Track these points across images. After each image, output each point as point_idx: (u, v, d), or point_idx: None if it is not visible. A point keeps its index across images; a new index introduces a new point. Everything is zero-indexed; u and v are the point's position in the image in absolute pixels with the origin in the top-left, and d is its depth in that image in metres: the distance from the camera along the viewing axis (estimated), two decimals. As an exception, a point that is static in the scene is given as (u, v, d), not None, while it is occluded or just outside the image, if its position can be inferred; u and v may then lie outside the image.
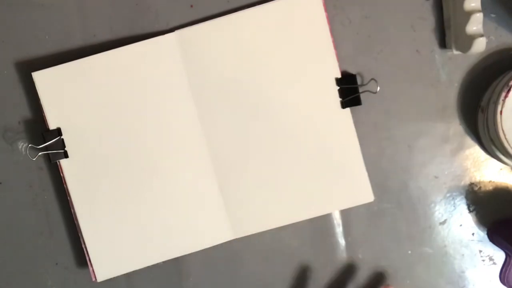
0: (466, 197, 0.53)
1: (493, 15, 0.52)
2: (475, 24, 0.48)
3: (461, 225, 0.54)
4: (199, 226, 0.52)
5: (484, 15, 0.48)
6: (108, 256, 0.51)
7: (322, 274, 0.54)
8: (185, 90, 0.51)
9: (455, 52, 0.51)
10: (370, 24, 0.52)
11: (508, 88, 0.47)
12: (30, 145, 0.52)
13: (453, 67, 0.52)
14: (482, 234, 0.54)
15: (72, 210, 0.51)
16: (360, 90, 0.51)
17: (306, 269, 0.54)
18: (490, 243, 0.53)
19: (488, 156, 0.53)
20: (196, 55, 0.51)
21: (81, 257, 0.54)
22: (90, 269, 0.52)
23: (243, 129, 0.51)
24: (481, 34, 0.48)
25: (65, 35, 0.52)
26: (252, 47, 0.51)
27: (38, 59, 0.52)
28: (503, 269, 0.53)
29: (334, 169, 0.51)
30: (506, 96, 0.47)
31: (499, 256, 0.54)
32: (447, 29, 0.52)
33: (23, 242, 0.54)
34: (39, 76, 0.50)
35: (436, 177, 0.53)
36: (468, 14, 0.48)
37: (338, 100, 0.51)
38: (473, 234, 0.54)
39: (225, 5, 0.52)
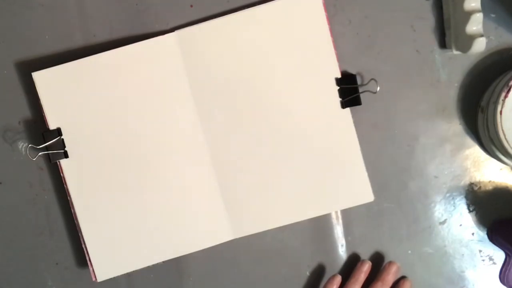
0: (466, 197, 0.54)
1: (493, 15, 0.52)
2: (475, 24, 0.48)
3: (461, 225, 0.54)
4: (199, 226, 0.52)
5: (484, 15, 0.48)
6: (108, 256, 0.51)
7: (322, 274, 0.54)
8: (185, 90, 0.51)
9: (455, 52, 0.51)
10: (370, 24, 0.52)
11: (508, 88, 0.47)
12: (30, 145, 0.52)
13: (453, 67, 0.52)
14: (482, 234, 0.54)
15: (72, 210, 0.51)
16: (360, 90, 0.51)
17: (306, 269, 0.54)
18: (490, 243, 0.53)
19: (488, 156, 0.53)
20: (196, 55, 0.51)
21: (81, 257, 0.54)
22: (90, 269, 0.52)
23: (243, 129, 0.51)
24: (481, 34, 0.48)
25: (65, 35, 0.52)
26: (252, 47, 0.51)
27: (38, 59, 0.52)
28: (503, 269, 0.53)
29: (334, 169, 0.51)
30: (506, 96, 0.47)
31: (499, 256, 0.54)
32: (447, 29, 0.52)
33: (23, 242, 0.54)
34: (39, 76, 0.50)
35: (436, 177, 0.53)
36: (468, 14, 0.48)
37: (338, 100, 0.51)
38: (473, 234, 0.54)
39: (225, 5, 0.52)
